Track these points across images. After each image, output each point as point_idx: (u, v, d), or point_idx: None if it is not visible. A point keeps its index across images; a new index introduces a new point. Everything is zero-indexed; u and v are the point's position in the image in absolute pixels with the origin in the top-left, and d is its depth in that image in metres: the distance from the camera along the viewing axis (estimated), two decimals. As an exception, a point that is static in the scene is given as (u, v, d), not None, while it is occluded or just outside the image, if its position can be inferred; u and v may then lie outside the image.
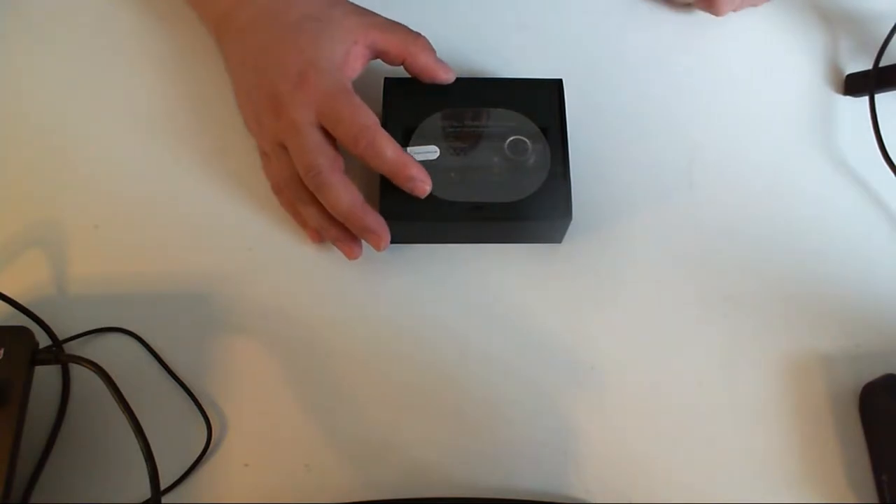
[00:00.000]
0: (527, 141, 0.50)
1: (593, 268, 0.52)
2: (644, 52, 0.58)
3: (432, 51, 0.51)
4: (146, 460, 0.40)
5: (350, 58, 0.49)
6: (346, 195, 0.47)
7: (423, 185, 0.47)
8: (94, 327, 0.49)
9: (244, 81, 0.51)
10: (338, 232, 0.50)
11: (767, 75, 0.58)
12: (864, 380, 0.49)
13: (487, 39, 0.58)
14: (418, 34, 0.51)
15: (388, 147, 0.47)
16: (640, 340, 0.51)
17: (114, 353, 0.49)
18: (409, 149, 0.49)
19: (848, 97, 0.58)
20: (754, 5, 0.59)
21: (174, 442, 0.47)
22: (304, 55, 0.48)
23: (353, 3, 0.51)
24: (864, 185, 0.55)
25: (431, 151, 0.49)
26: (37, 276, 0.50)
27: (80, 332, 0.49)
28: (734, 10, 0.58)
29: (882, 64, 0.56)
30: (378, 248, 0.48)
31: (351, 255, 0.50)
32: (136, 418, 0.41)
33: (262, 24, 0.50)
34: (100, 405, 0.47)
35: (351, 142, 0.47)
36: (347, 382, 0.49)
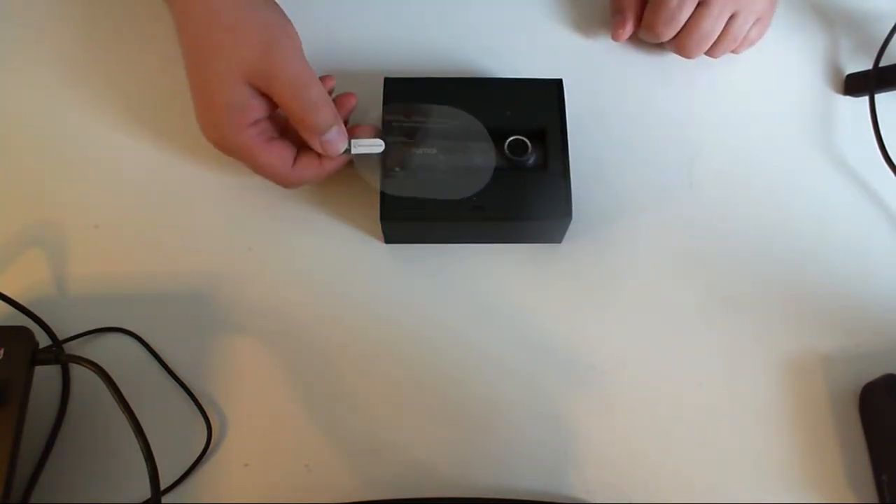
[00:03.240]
0: (527, 141, 0.50)
1: (593, 268, 0.52)
2: (644, 51, 0.58)
3: (321, 131, 0.47)
4: (146, 460, 0.40)
5: (249, 107, 0.47)
6: (310, 175, 0.49)
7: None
8: (94, 327, 0.49)
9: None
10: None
11: (767, 75, 0.58)
12: (864, 380, 0.49)
13: (487, 39, 0.58)
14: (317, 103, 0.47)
15: (305, 177, 0.49)
16: (640, 340, 0.51)
17: (114, 353, 0.49)
18: (353, 140, 0.49)
19: (848, 97, 0.58)
20: (735, 52, 0.58)
21: (174, 442, 0.47)
22: (205, 92, 0.47)
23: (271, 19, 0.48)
24: (864, 185, 0.55)
25: (377, 145, 0.49)
26: (37, 276, 0.50)
27: (80, 332, 0.49)
28: (713, 57, 0.57)
29: (882, 64, 0.56)
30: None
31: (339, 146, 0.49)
32: (136, 418, 0.41)
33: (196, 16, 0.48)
34: (100, 405, 0.47)
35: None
36: (348, 382, 0.49)
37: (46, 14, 0.58)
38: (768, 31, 0.58)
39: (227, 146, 0.48)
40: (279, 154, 0.48)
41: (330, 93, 0.49)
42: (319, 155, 0.49)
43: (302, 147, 0.49)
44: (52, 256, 0.51)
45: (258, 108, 0.47)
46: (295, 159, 0.49)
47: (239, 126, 0.46)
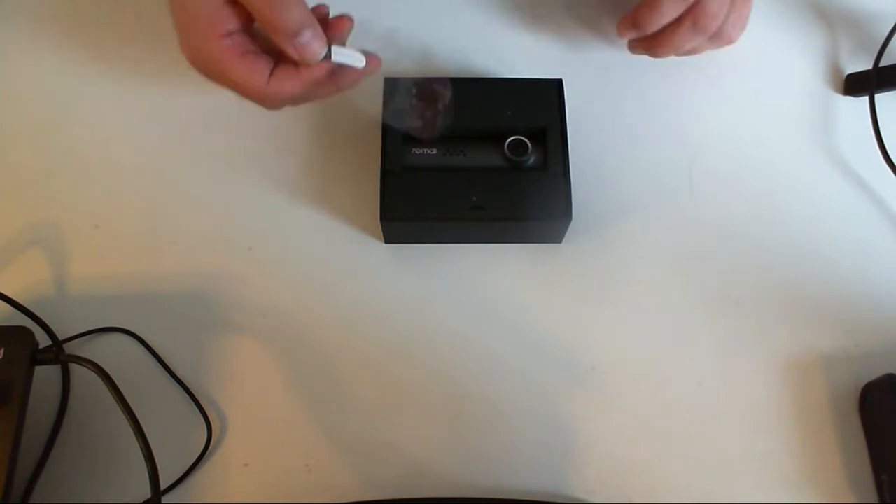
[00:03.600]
0: (527, 141, 0.50)
1: (593, 268, 0.52)
2: (644, 52, 0.58)
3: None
4: (146, 460, 0.40)
5: (219, 17, 0.44)
6: (289, 87, 0.45)
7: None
8: (94, 327, 0.49)
9: None
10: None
11: (767, 75, 0.58)
12: (864, 380, 0.49)
13: (487, 39, 0.58)
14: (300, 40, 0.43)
15: (283, 91, 0.45)
16: (640, 340, 0.51)
17: (114, 353, 0.49)
18: (334, 47, 0.45)
19: (848, 97, 0.58)
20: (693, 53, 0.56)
21: (174, 442, 0.47)
22: (180, 7, 0.44)
23: None
24: (864, 185, 0.55)
25: (357, 58, 0.46)
26: (37, 276, 0.50)
27: (80, 332, 0.49)
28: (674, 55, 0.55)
29: (882, 64, 0.56)
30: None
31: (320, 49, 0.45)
32: (136, 418, 0.41)
33: None
34: (100, 405, 0.47)
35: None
36: (347, 382, 0.49)
37: (47, 15, 0.58)
38: (767, 31, 0.58)
39: (200, 60, 0.45)
40: (252, 66, 0.45)
41: (324, 18, 0.46)
42: (298, 66, 0.45)
43: (280, 60, 0.46)
44: (52, 256, 0.51)
45: (229, 18, 0.44)
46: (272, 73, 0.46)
47: (209, 37, 0.44)
